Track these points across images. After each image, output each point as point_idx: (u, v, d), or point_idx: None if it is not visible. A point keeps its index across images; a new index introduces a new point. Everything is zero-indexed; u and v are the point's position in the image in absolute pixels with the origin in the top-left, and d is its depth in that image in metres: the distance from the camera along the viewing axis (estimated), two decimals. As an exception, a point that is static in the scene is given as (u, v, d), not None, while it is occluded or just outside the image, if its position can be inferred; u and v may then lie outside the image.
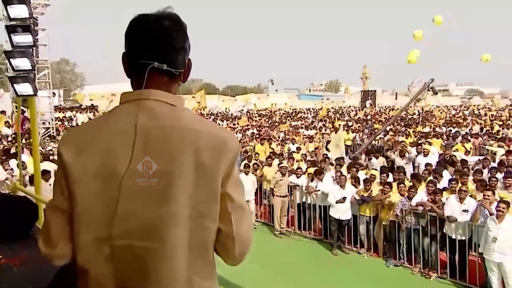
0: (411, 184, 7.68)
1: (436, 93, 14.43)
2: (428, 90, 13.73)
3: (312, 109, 39.95)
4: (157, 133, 1.15)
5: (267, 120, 28.53)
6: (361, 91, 48.41)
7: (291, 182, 9.22)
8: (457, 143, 13.53)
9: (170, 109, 1.20)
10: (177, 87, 1.29)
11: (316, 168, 9.34)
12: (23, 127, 12.07)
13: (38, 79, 12.27)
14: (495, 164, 9.50)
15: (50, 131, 15.75)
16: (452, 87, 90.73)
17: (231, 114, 33.13)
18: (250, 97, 50.99)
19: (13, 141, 12.83)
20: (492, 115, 28.10)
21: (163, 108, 1.20)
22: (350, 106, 44.86)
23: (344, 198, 7.84)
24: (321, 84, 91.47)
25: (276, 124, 24.73)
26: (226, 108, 40.36)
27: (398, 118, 24.89)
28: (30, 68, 5.80)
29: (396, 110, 32.52)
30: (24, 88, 5.72)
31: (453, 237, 6.65)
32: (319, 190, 8.60)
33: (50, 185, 7.34)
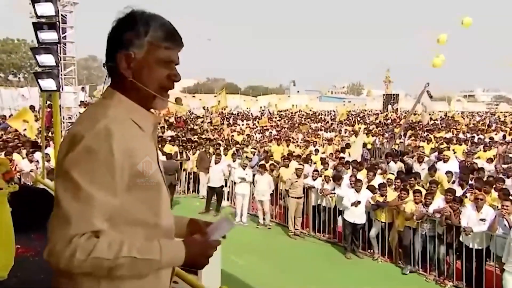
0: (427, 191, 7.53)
1: (431, 97, 14.38)
2: (426, 92, 13.80)
3: (333, 111, 39.61)
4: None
5: (287, 121, 28.44)
6: (384, 94, 47.73)
7: (306, 184, 9.17)
8: (480, 150, 13.18)
9: (95, 102, 1.29)
10: (126, 82, 1.23)
11: (334, 172, 9.29)
12: (51, 120, 12.38)
13: (64, 75, 12.51)
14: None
15: (74, 125, 16.11)
16: (479, 92, 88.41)
17: (251, 114, 33.17)
18: (271, 98, 50.95)
19: (40, 135, 13.18)
20: (519, 122, 27.24)
21: (95, 101, 1.33)
22: (371, 110, 44.27)
23: (359, 202, 7.75)
24: (343, 87, 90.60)
25: (296, 125, 24.63)
26: (247, 108, 40.47)
27: (420, 123, 24.48)
28: (54, 64, 5.97)
29: (419, 114, 31.92)
30: (48, 84, 5.88)
31: (470, 246, 6.48)
32: (334, 193, 8.54)
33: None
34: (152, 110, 1.33)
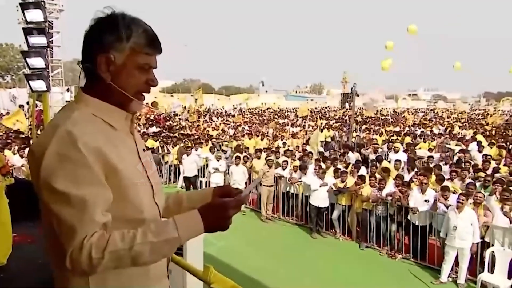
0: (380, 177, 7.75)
1: (358, 95, 15.44)
2: (351, 92, 14.79)
3: (298, 108, 40.01)
4: None
5: (257, 117, 28.50)
6: (341, 93, 48.52)
7: (277, 174, 9.25)
8: (421, 142, 13.71)
9: (64, 107, 1.18)
10: (102, 84, 1.12)
11: (300, 162, 9.41)
12: (41, 119, 11.91)
13: (52, 77, 12.06)
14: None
15: (62, 123, 15.55)
16: (421, 92, 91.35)
17: (225, 111, 33.03)
18: (243, 96, 50.83)
19: (30, 132, 12.65)
20: (454, 117, 28.49)
21: (64, 105, 1.20)
22: (328, 107, 45.00)
23: (326, 184, 7.92)
24: (306, 87, 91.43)
25: (265, 121, 24.74)
26: (222, 106, 40.21)
27: (374, 118, 25.18)
28: (44, 66, 5.78)
29: (366, 110, 32.71)
30: (38, 85, 5.69)
31: (416, 223, 6.74)
32: (301, 181, 8.65)
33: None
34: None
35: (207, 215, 1.08)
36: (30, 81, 5.80)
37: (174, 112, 27.33)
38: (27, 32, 5.77)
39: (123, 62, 1.12)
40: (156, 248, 1.02)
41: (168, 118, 23.62)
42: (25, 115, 16.11)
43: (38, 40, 5.79)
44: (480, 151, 10.94)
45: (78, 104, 1.13)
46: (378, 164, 9.43)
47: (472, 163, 9.31)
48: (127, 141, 1.19)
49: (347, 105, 16.95)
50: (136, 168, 1.17)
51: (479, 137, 13.37)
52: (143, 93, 1.19)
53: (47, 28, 6.37)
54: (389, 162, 10.36)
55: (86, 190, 1.00)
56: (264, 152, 10.90)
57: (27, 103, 15.94)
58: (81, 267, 0.98)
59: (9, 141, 11.22)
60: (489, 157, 9.52)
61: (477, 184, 7.37)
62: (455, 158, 10.68)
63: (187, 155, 10.64)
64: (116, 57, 1.11)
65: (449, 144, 13.39)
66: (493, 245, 5.79)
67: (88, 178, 1.01)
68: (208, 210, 1.09)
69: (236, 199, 1.14)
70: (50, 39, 11.38)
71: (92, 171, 1.01)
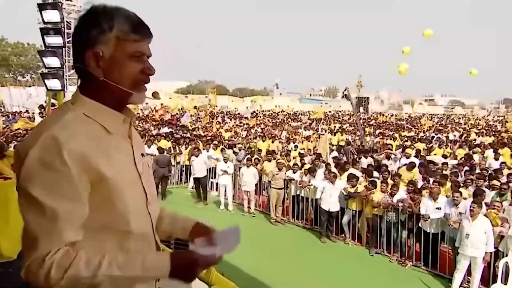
0: (393, 182, 7.64)
1: (348, 98, 15.35)
2: (343, 97, 14.76)
3: (312, 111, 39.91)
4: None
5: (270, 120, 28.50)
6: (356, 97, 48.18)
7: (287, 176, 9.22)
8: (436, 148, 13.48)
9: (58, 107, 1.15)
10: (97, 82, 1.07)
11: (311, 165, 9.35)
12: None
13: (69, 76, 12.33)
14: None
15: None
16: (437, 97, 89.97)
17: (239, 113, 33.12)
18: (257, 99, 50.94)
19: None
20: (471, 124, 27.94)
21: (59, 106, 1.19)
22: (342, 111, 44.71)
23: (331, 196, 7.84)
24: (321, 90, 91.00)
25: (278, 124, 24.71)
26: (235, 108, 40.37)
27: (388, 123, 24.92)
28: (60, 66, 5.90)
29: (386, 116, 32.40)
30: (54, 84, 5.81)
31: (427, 230, 6.62)
32: (311, 185, 8.60)
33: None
34: (129, 105, 1.17)
35: (176, 265, 1.06)
36: (45, 80, 5.94)
37: (187, 112, 27.52)
38: (44, 32, 5.92)
39: (112, 54, 1.06)
40: (118, 282, 0.99)
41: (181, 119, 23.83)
42: (42, 113, 16.52)
43: (54, 40, 5.94)
44: (496, 159, 10.69)
45: (74, 104, 1.08)
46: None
47: (489, 171, 9.11)
48: (122, 145, 1.13)
49: (361, 109, 16.78)
50: (128, 175, 1.11)
51: (488, 139, 13.08)
52: (143, 83, 1.12)
53: (64, 29, 6.51)
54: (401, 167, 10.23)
55: (61, 204, 0.94)
56: (275, 154, 10.86)
57: (45, 101, 16.33)
58: (37, 281, 0.93)
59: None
60: (505, 165, 9.29)
61: (493, 192, 7.21)
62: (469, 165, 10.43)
63: (196, 156, 10.69)
64: (104, 50, 1.05)
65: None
66: (507, 255, 5.63)
67: (67, 192, 0.95)
68: (179, 261, 1.07)
69: (208, 261, 1.14)
70: (68, 39, 11.68)
71: (73, 184, 0.96)
